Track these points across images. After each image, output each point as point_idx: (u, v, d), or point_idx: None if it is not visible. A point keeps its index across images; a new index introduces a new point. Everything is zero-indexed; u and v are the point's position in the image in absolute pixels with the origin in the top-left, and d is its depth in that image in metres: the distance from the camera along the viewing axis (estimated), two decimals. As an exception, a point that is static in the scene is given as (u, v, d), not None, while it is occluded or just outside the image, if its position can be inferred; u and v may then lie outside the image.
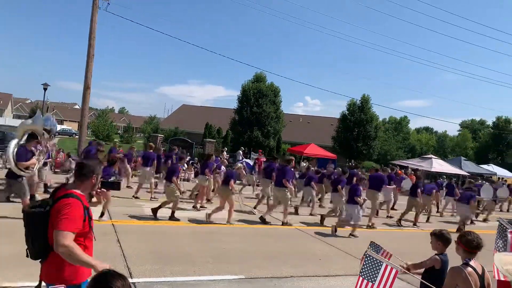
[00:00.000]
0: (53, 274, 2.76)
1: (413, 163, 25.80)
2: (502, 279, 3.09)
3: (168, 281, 5.55)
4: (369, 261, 3.66)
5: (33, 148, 8.34)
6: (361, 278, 3.64)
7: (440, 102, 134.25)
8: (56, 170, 16.87)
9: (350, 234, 9.78)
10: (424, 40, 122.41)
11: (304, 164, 21.36)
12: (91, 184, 3.04)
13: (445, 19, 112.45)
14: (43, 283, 2.81)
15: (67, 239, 2.63)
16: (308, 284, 6.05)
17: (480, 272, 3.10)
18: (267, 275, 6.26)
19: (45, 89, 27.18)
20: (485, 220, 15.66)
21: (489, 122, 49.49)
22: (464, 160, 29.77)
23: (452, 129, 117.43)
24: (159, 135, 28.65)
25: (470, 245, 3.21)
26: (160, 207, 9.76)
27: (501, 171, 30.11)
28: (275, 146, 33.00)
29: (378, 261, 3.64)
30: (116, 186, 3.46)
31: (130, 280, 5.45)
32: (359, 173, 14.00)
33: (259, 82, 32.99)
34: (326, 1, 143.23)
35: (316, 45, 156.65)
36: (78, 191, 2.87)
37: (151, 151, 13.55)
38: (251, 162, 20.14)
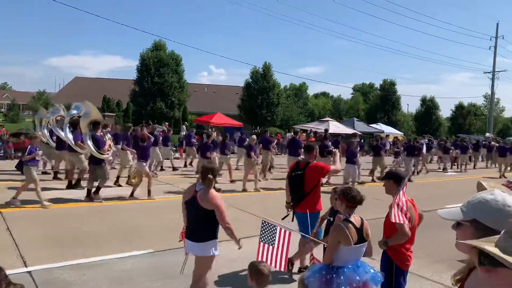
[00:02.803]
0: (312, 206, 4.92)
1: (313, 126, 27.42)
2: (397, 221, 3.38)
3: (70, 265, 5.20)
4: (266, 227, 3.91)
5: (101, 133, 9.89)
6: (261, 244, 3.87)
7: (334, 68, 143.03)
8: None
9: None
10: (318, 7, 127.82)
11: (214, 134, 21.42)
12: (313, 156, 5.30)
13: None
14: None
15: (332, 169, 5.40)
16: (220, 249, 6.12)
17: (358, 225, 3.30)
18: (176, 246, 6.20)
19: None
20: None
21: (377, 85, 54.26)
22: (357, 120, 32.48)
23: (346, 93, 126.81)
24: (50, 111, 26.08)
25: (353, 201, 3.36)
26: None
27: (387, 129, 33.57)
28: (180, 117, 32.30)
29: (273, 225, 3.91)
30: (329, 153, 5.63)
31: (25, 269, 5.00)
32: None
33: (159, 51, 31.52)
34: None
35: (218, 13, 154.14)
36: (310, 160, 5.17)
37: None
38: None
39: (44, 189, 8.92)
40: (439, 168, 20.64)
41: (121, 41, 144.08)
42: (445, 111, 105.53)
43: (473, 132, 46.12)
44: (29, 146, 8.37)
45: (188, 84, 33.97)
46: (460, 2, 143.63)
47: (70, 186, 10.32)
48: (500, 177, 17.51)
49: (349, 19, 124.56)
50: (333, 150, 5.91)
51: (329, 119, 29.73)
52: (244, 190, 11.31)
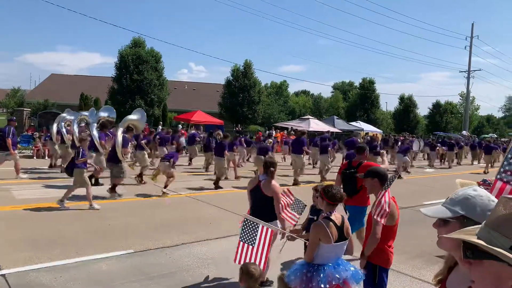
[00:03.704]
0: (363, 201, 5.56)
1: (294, 124, 27.59)
2: (375, 217, 3.41)
3: (46, 267, 5.07)
4: (247, 225, 3.83)
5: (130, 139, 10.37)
6: (241, 243, 3.80)
7: (315, 66, 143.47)
8: None
9: None
10: (300, 5, 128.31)
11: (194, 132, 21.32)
12: (365, 156, 6.00)
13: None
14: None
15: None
16: (200, 248, 6.11)
17: (339, 223, 3.30)
18: (157, 245, 6.14)
19: None
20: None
21: (357, 84, 54.70)
22: (337, 118, 32.82)
23: (326, 91, 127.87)
24: (25, 109, 25.45)
25: (334, 198, 3.36)
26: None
27: (367, 127, 34.02)
28: (160, 114, 31.88)
29: (254, 223, 3.84)
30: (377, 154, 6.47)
31: (0, 272, 4.85)
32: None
33: (138, 47, 30.99)
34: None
35: (199, 10, 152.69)
36: (362, 160, 5.90)
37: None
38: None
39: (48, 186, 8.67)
40: (428, 165, 21.39)
41: (99, 38, 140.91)
42: (423, 109, 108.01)
43: (449, 130, 47.20)
44: (80, 149, 8.54)
45: (167, 82, 33.55)
46: (438, 3, 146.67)
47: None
48: (484, 172, 18.37)
49: (330, 18, 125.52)
50: (381, 150, 6.51)
51: (310, 117, 29.99)
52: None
